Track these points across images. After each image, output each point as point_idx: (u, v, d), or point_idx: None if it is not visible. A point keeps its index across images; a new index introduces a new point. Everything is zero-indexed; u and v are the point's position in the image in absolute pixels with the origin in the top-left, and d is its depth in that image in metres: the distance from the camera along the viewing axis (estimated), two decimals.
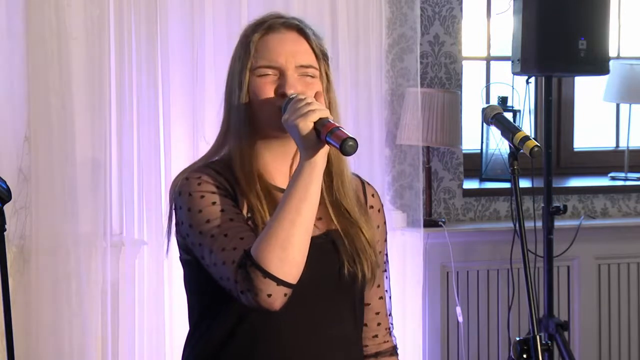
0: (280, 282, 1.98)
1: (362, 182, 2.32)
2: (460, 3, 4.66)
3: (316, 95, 2.13)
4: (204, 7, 4.00)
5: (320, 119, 2.01)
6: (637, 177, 4.95)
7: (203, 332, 2.17)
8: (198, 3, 3.98)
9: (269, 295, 1.98)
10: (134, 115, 3.92)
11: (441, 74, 4.64)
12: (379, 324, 2.32)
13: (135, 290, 3.96)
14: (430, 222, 4.48)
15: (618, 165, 5.02)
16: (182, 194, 2.12)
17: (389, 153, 4.46)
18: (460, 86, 4.68)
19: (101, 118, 3.87)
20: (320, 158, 2.02)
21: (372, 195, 2.31)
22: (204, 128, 3.94)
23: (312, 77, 2.15)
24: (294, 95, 2.08)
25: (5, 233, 2.54)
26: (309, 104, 2.02)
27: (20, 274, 3.80)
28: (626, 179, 4.95)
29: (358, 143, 1.98)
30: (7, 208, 2.60)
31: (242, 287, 1.99)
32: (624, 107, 5.11)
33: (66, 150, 3.82)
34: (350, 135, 1.98)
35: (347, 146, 1.97)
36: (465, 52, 4.73)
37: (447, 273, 4.52)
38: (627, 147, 5.00)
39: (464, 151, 4.73)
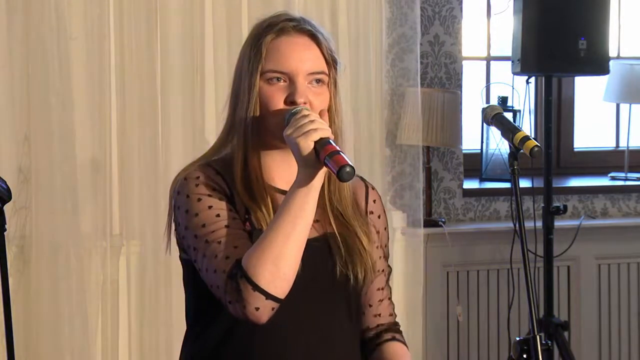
0: (269, 296, 1.98)
1: (367, 186, 2.32)
2: (460, 3, 4.66)
3: (321, 113, 2.12)
4: (204, 6, 3.99)
5: (321, 138, 1.99)
6: (637, 177, 4.94)
7: (200, 331, 2.18)
8: (198, 3, 3.98)
9: (257, 309, 1.98)
10: (134, 115, 3.92)
11: (441, 74, 4.64)
12: (376, 315, 2.30)
13: (136, 290, 3.97)
14: (430, 222, 4.48)
15: (618, 165, 5.01)
16: (180, 194, 2.12)
17: (389, 153, 4.46)
18: (460, 86, 4.68)
19: (101, 118, 3.87)
20: (318, 179, 2.02)
21: (374, 201, 2.31)
22: (204, 128, 3.94)
23: (321, 82, 2.15)
24: (297, 109, 2.06)
25: (5, 233, 2.54)
26: (311, 121, 2.00)
27: (20, 274, 3.80)
28: (626, 179, 4.95)
29: (355, 170, 1.96)
30: (7, 208, 2.61)
31: (231, 297, 1.99)
32: (624, 107, 5.11)
33: (66, 150, 3.82)
34: (349, 162, 1.95)
35: (344, 173, 1.94)
36: (465, 52, 4.72)
37: (447, 273, 4.52)
38: (627, 147, 5.00)
39: (464, 151, 4.72)
